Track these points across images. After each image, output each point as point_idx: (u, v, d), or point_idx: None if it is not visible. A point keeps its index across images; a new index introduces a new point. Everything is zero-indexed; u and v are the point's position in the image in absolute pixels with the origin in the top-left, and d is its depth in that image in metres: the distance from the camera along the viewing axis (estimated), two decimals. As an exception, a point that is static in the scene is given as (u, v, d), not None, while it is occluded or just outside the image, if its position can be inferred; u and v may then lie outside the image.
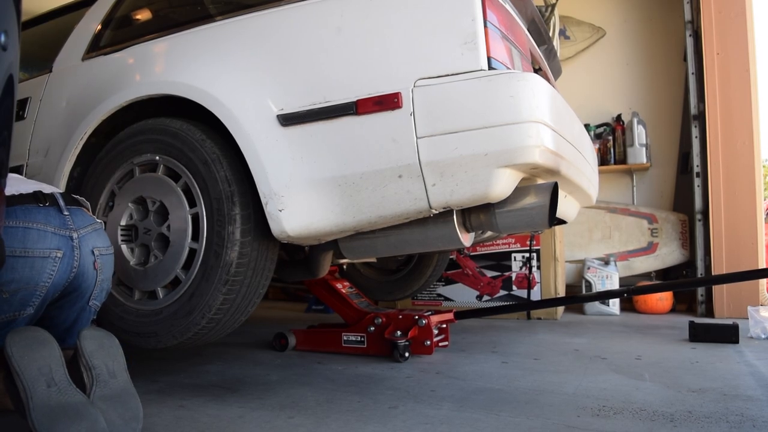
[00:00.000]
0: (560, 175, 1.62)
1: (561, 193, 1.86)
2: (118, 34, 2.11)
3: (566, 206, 2.07)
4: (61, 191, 1.46)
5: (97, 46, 2.11)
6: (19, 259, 1.26)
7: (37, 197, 1.35)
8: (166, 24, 1.97)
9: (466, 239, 1.63)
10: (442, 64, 1.45)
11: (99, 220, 1.51)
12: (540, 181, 1.63)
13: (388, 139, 1.46)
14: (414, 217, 1.51)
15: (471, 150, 1.39)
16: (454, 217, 1.57)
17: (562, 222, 2.28)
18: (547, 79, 2.07)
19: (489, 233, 2.32)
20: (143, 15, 2.16)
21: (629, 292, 2.52)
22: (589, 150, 2.13)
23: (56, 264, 1.31)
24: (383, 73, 1.49)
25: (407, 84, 1.45)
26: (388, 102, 1.46)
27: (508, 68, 1.51)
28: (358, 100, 1.49)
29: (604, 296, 3.22)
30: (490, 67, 1.43)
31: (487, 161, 1.39)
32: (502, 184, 1.42)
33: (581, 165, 1.88)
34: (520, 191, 1.54)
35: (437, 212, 1.49)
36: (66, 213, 1.38)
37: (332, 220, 1.54)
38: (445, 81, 1.43)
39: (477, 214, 1.61)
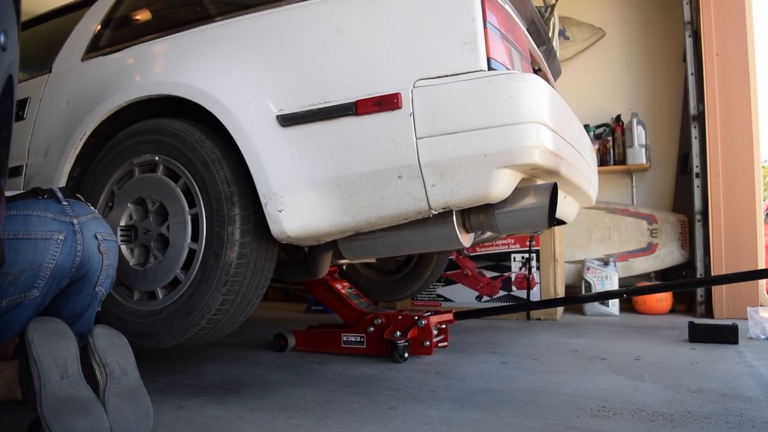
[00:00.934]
0: (560, 176, 1.62)
1: (560, 194, 1.86)
2: (117, 34, 2.11)
3: (566, 207, 2.07)
4: (59, 186, 1.47)
5: (97, 47, 2.11)
6: (22, 241, 1.29)
7: (36, 192, 1.39)
8: (166, 24, 1.97)
9: (466, 240, 1.63)
10: (442, 65, 1.44)
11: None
12: (539, 182, 1.63)
13: (388, 139, 1.46)
14: (413, 217, 1.51)
15: (471, 150, 1.39)
16: (454, 217, 1.57)
17: (561, 222, 2.28)
18: (547, 80, 2.08)
19: (488, 234, 2.32)
20: (143, 15, 2.16)
21: (629, 293, 2.52)
22: (588, 150, 2.13)
23: (59, 246, 1.33)
24: (383, 73, 1.49)
25: (407, 84, 1.45)
26: (388, 102, 1.46)
27: (507, 69, 1.51)
28: (357, 101, 1.49)
29: (604, 297, 3.22)
30: (490, 68, 1.43)
31: (486, 162, 1.39)
32: (502, 185, 1.42)
33: (581, 165, 1.88)
34: (519, 192, 1.54)
35: (437, 213, 1.49)
36: (65, 203, 1.41)
37: (332, 220, 1.54)
38: (444, 81, 1.43)
39: (477, 215, 1.61)
